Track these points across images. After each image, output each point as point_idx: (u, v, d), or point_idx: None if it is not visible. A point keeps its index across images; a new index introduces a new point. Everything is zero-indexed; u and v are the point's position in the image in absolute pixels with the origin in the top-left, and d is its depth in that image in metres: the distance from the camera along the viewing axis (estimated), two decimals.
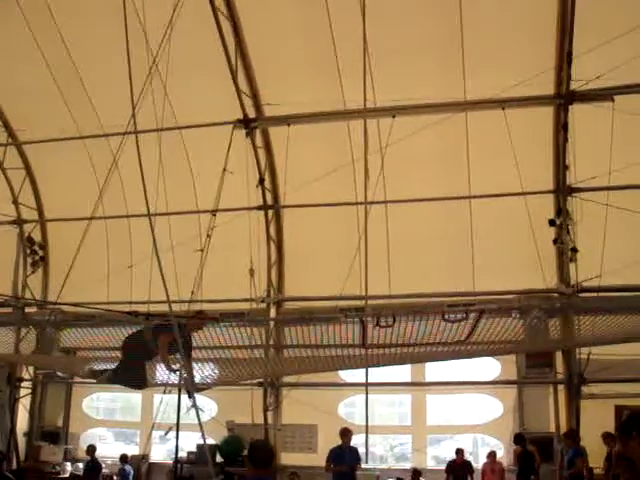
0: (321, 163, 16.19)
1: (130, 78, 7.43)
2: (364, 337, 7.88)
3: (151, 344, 8.79)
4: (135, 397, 20.21)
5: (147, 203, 7.20)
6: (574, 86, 14.81)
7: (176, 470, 15.68)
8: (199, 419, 6.50)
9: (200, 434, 17.22)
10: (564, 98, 15.02)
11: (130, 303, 17.15)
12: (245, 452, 16.78)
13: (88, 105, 17.73)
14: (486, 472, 15.46)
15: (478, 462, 16.44)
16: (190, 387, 9.04)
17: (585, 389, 15.52)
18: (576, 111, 15.15)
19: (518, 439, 15.16)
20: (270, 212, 17.58)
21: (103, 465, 18.01)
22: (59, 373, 18.68)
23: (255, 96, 16.41)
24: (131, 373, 9.11)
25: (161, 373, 9.48)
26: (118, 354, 10.59)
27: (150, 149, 17.35)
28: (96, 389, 20.36)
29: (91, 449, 17.66)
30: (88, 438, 19.96)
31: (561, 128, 15.44)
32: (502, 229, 16.16)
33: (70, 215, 17.29)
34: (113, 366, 9.51)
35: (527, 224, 14.88)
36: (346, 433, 13.91)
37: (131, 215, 18.32)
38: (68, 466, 18.58)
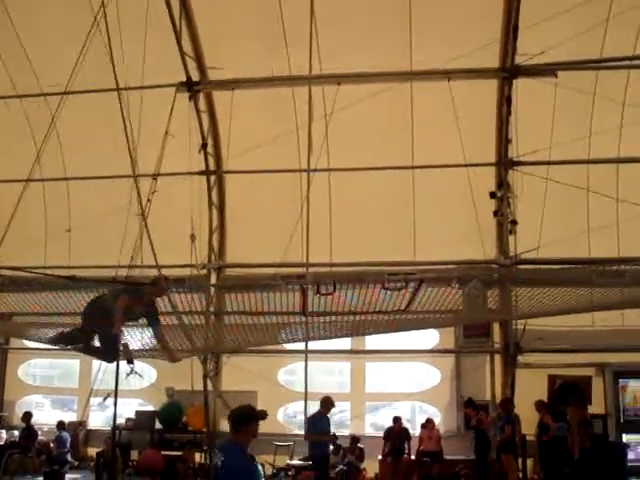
0: (265, 129, 16.02)
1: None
2: (304, 305, 7.85)
3: (110, 305, 8.54)
4: (73, 363, 19.92)
5: None
6: (519, 60, 14.93)
7: (114, 436, 15.52)
8: None
9: (139, 401, 17.24)
10: (508, 72, 15.12)
11: (68, 268, 16.85)
12: (184, 419, 16.86)
13: (26, 63, 17.12)
14: (423, 439, 15.75)
15: (415, 429, 16.73)
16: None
17: (521, 358, 15.89)
18: (520, 85, 15.29)
19: (468, 403, 15.40)
20: (212, 178, 17.34)
21: (39, 432, 17.77)
22: None
23: (199, 59, 16.06)
24: (101, 340, 8.85)
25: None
26: (62, 319, 10.37)
27: (91, 110, 16.99)
28: (32, 355, 20.01)
29: (27, 416, 17.37)
30: (24, 405, 19.65)
31: (505, 101, 15.56)
32: (444, 200, 16.31)
33: (5, 177, 16.74)
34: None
35: (469, 196, 15.06)
36: (328, 403, 13.70)
37: (70, 178, 17.93)
38: (3, 433, 18.26)
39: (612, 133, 15.46)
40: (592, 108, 15.60)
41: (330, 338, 11.12)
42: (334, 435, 13.80)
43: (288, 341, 10.38)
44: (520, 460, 15.00)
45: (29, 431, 17.12)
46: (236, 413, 6.39)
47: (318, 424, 13.38)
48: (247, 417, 6.20)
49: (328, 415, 13.83)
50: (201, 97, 16.63)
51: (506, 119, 15.70)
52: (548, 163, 15.40)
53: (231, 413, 6.26)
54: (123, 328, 8.99)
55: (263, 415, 6.37)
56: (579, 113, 15.66)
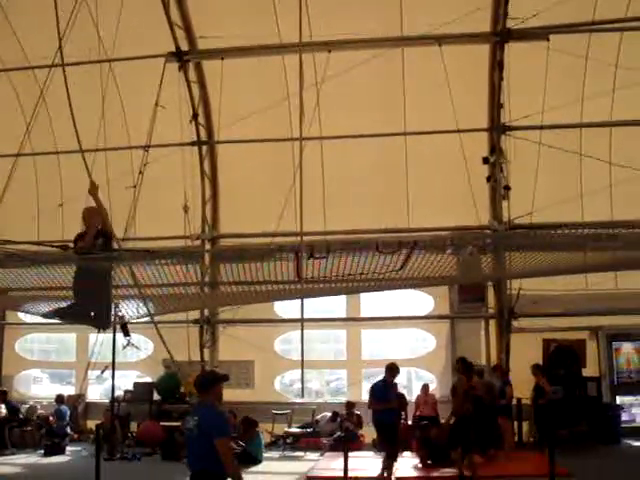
0: (256, 98, 15.94)
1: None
2: (298, 270, 7.85)
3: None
4: (70, 337, 19.97)
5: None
6: (510, 24, 14.85)
7: (113, 409, 15.63)
8: None
9: (136, 373, 17.31)
10: (500, 36, 15.07)
11: (62, 241, 16.78)
12: (182, 389, 16.94)
13: (12, 36, 16.91)
14: (419, 404, 15.87)
15: (412, 395, 16.86)
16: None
17: (515, 323, 16.04)
18: (512, 50, 15.23)
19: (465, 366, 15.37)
20: (204, 148, 17.28)
21: (39, 406, 17.91)
22: None
23: (188, 28, 15.92)
24: (94, 304, 8.81)
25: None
26: (55, 293, 10.33)
27: (80, 82, 16.78)
28: (29, 330, 20.04)
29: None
30: (22, 380, 19.72)
31: (497, 66, 15.51)
32: (437, 166, 16.29)
33: None
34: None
35: (461, 162, 15.05)
36: (392, 369, 12.64)
37: (60, 152, 17.78)
38: (3, 408, 18.32)
39: (605, 96, 15.41)
40: (585, 72, 15.53)
41: (324, 295, 11.13)
42: (400, 400, 13.25)
43: (283, 299, 10.38)
44: (516, 423, 15.18)
45: (10, 405, 17.09)
46: (203, 377, 6.88)
47: (379, 392, 12.56)
48: (214, 379, 6.50)
49: (395, 381, 13.06)
50: (191, 67, 16.52)
51: (498, 84, 15.66)
52: (541, 128, 15.38)
53: (197, 378, 6.59)
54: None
55: (226, 378, 6.64)
56: (571, 77, 15.60)
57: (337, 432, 15.67)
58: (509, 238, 15.26)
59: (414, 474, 13.22)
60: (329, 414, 16.64)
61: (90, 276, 8.41)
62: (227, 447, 6.17)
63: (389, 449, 12.25)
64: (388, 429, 12.29)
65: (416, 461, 14.02)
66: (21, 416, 17.13)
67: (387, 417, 12.35)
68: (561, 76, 15.54)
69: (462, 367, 12.66)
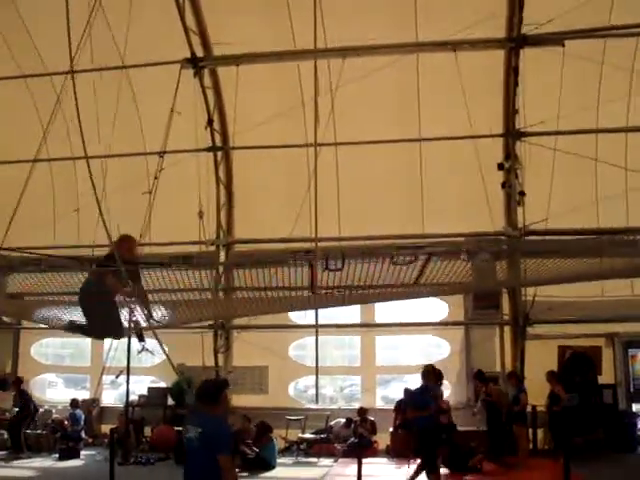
0: (271, 104, 16.00)
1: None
2: (313, 281, 7.84)
3: (101, 287, 8.57)
4: (85, 342, 20.04)
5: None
6: (525, 30, 14.81)
7: (127, 413, 15.70)
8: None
9: (151, 378, 17.35)
10: (515, 41, 15.01)
11: (76, 247, 16.91)
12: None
13: (29, 43, 17.06)
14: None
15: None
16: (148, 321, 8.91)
17: (530, 330, 15.94)
18: (527, 55, 15.18)
19: (480, 376, 15.31)
20: (219, 154, 17.33)
21: (54, 410, 18.00)
22: (5, 319, 18.39)
23: (203, 34, 15.98)
24: (104, 324, 8.84)
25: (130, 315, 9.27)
26: (69, 298, 10.37)
27: (96, 89, 16.93)
28: (44, 335, 20.14)
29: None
30: (38, 384, 19.83)
31: (512, 72, 15.46)
32: (452, 172, 16.26)
33: (12, 157, 16.74)
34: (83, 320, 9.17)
35: (476, 168, 14.99)
36: (429, 373, 12.07)
37: (76, 157, 17.87)
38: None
39: (620, 102, 15.35)
40: (600, 77, 15.46)
41: (339, 306, 11.13)
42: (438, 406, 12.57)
43: (297, 309, 10.40)
44: (531, 430, 15.09)
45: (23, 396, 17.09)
46: (210, 387, 6.34)
47: (414, 397, 12.23)
48: (220, 387, 6.22)
49: (437, 384, 12.57)
50: (206, 73, 16.56)
51: (513, 90, 15.60)
52: (556, 134, 15.32)
53: (201, 389, 6.22)
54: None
55: (227, 383, 6.64)
56: (587, 82, 15.53)
57: (351, 438, 15.67)
58: (524, 244, 15.35)
59: None
60: (343, 420, 16.63)
61: (97, 295, 8.44)
62: (232, 464, 5.97)
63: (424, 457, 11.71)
64: (423, 435, 11.62)
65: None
66: (32, 409, 17.12)
67: (420, 423, 11.66)
68: (576, 82, 15.48)
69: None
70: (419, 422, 11.63)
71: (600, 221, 15.59)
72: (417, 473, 11.93)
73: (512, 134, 15.86)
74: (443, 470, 13.56)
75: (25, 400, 16.91)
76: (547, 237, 15.43)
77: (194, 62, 15.93)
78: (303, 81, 15.68)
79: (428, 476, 11.40)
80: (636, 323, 15.89)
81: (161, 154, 13.79)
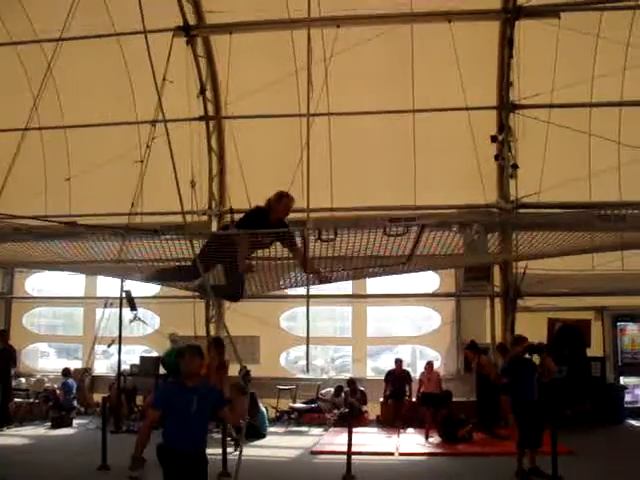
0: (264, 74, 15.84)
1: None
2: (305, 252, 7.78)
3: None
4: (77, 311, 20.12)
5: None
6: (521, 1, 14.72)
7: (119, 382, 15.77)
8: None
9: (143, 347, 17.41)
10: (511, 13, 14.93)
11: (69, 216, 16.84)
12: None
13: (19, 9, 16.82)
14: (423, 381, 15.93)
15: (416, 373, 16.90)
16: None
17: (520, 302, 16.03)
18: (522, 27, 15.09)
19: (473, 347, 15.42)
20: (212, 123, 17.24)
21: (46, 379, 18.06)
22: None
23: (196, 2, 15.83)
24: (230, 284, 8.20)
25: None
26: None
27: (87, 57, 16.78)
28: (36, 304, 20.17)
29: None
30: (30, 354, 19.86)
31: (506, 44, 15.39)
32: (445, 144, 16.22)
33: (2, 126, 16.60)
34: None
35: (470, 140, 14.98)
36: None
37: (68, 126, 17.79)
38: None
39: (615, 76, 15.28)
40: (595, 50, 15.38)
41: (331, 282, 11.08)
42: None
43: (290, 287, 10.35)
44: None
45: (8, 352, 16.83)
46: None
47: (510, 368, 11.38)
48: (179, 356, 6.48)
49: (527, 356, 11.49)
50: (199, 42, 16.42)
51: (508, 62, 15.55)
52: (550, 106, 15.29)
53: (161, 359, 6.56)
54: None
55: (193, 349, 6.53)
56: (582, 55, 15.45)
57: (342, 408, 15.80)
58: (516, 218, 15.36)
59: (422, 450, 13.26)
60: (332, 390, 16.75)
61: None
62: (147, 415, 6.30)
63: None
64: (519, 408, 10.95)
65: (421, 438, 14.12)
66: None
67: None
68: (571, 54, 15.40)
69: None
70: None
71: (592, 195, 15.63)
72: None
73: (506, 106, 15.83)
74: (436, 439, 13.83)
75: (11, 356, 16.66)
76: (539, 210, 15.47)
77: (186, 30, 15.77)
78: (296, 51, 15.53)
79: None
80: (625, 297, 16.00)
81: (153, 123, 13.69)
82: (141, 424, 8.50)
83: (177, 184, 7.01)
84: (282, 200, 8.20)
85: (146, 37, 7.01)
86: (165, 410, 6.31)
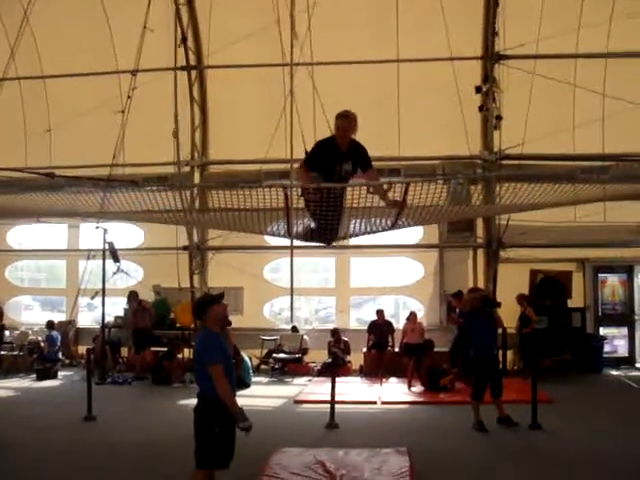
0: (247, 23, 15.57)
1: None
2: (287, 208, 7.60)
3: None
4: (60, 264, 20.02)
5: None
6: None
7: (103, 334, 15.81)
8: None
9: (125, 299, 17.36)
10: None
11: (50, 168, 16.65)
12: (172, 316, 17.07)
13: None
14: (407, 332, 16.09)
15: (399, 323, 17.04)
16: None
17: (503, 253, 16.12)
18: None
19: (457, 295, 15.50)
20: (193, 73, 16.96)
21: (30, 332, 18.06)
22: None
23: None
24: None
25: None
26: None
27: (65, 5, 16.42)
28: (18, 257, 20.03)
29: None
30: (13, 307, 19.78)
31: None
32: (429, 94, 16.07)
33: None
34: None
35: (454, 90, 14.86)
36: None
37: (47, 76, 17.47)
38: None
39: (601, 27, 15.14)
40: (581, 0, 15.22)
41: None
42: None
43: (273, 235, 10.22)
44: (500, 351, 15.42)
45: None
46: (196, 302, 7.03)
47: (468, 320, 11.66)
48: (205, 303, 6.46)
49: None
50: None
51: (493, 11, 15.36)
52: (535, 57, 15.18)
53: (193, 306, 6.89)
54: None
55: (219, 298, 6.47)
56: (568, 6, 15.30)
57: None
58: (499, 170, 15.38)
59: (405, 399, 13.42)
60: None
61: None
62: (219, 373, 6.09)
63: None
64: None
65: (405, 387, 14.29)
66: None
67: None
68: (557, 5, 15.24)
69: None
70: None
71: (576, 147, 15.63)
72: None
73: (491, 57, 15.69)
74: (418, 388, 14.02)
75: None
76: (522, 162, 15.47)
77: None
78: None
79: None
80: (607, 249, 16.14)
81: (134, 72, 13.49)
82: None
83: None
84: (335, 123, 7.31)
85: None
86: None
